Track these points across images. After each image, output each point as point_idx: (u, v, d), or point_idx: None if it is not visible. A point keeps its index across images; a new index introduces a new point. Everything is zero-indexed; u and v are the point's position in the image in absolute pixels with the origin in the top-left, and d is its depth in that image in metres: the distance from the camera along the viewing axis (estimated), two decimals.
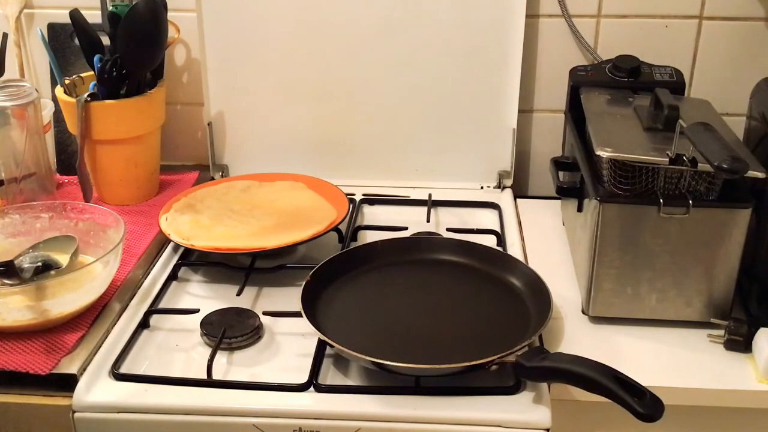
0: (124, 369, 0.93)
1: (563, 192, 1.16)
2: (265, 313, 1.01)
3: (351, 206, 1.26)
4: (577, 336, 1.01)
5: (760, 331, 0.95)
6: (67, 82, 1.26)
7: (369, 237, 1.21)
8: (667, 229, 0.96)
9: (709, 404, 0.94)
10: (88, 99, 1.20)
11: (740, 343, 0.97)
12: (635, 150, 0.96)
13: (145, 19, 1.19)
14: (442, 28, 1.29)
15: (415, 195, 1.34)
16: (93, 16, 1.26)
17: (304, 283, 1.00)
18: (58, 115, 1.32)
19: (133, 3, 1.18)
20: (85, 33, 1.23)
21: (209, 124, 1.38)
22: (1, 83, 1.20)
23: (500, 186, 1.37)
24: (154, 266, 1.14)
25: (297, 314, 0.95)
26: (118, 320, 1.01)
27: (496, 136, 1.35)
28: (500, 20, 1.28)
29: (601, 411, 0.91)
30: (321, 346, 0.95)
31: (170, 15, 1.26)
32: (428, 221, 1.24)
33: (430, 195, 1.32)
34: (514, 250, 1.17)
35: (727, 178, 0.95)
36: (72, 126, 1.24)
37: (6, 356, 0.93)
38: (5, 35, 1.31)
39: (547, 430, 0.86)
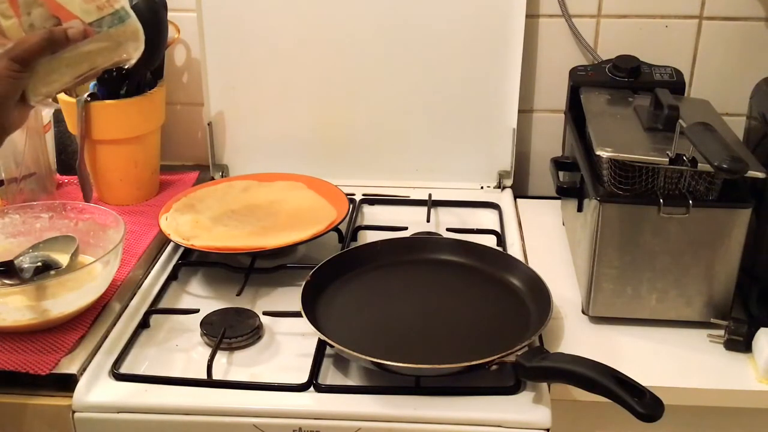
0: (124, 369, 0.93)
1: (563, 192, 1.16)
2: (265, 313, 1.01)
3: (351, 206, 1.26)
4: (577, 336, 1.01)
5: (760, 331, 0.95)
6: None
7: (369, 237, 1.21)
8: (667, 229, 0.96)
9: (709, 404, 0.94)
10: (88, 99, 1.20)
11: (740, 343, 0.97)
12: (635, 150, 0.96)
13: (145, 19, 1.17)
14: (442, 28, 1.29)
15: (415, 195, 1.34)
16: None
17: (304, 283, 1.00)
18: (58, 115, 1.32)
19: (133, 3, 1.18)
20: None
21: (209, 124, 1.38)
22: None
23: (500, 186, 1.37)
24: (154, 266, 1.14)
25: (297, 314, 0.95)
26: (118, 320, 1.01)
27: (496, 136, 1.35)
28: (500, 20, 1.28)
29: (601, 411, 0.91)
30: (321, 346, 0.95)
31: (170, 15, 1.26)
32: (428, 221, 1.24)
33: (430, 195, 1.32)
34: (514, 250, 1.17)
35: (727, 178, 0.95)
36: (72, 126, 1.24)
37: (6, 356, 0.93)
38: None
39: (547, 430, 0.86)
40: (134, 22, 0.91)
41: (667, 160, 0.93)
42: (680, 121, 0.93)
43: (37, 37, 0.80)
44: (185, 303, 1.08)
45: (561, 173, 1.20)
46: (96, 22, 0.86)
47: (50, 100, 0.87)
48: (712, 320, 0.99)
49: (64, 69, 0.84)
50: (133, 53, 0.91)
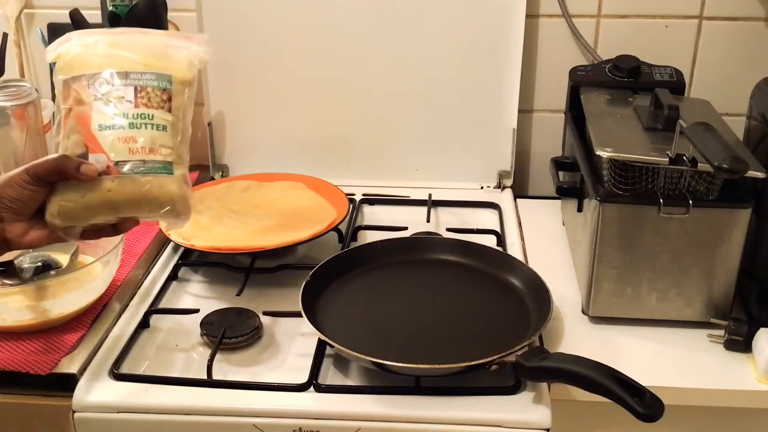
0: (124, 369, 0.93)
1: (563, 192, 1.16)
2: (265, 313, 1.01)
3: (351, 206, 1.26)
4: (577, 336, 1.01)
5: (760, 331, 0.95)
6: None
7: (369, 237, 1.21)
8: (667, 229, 0.96)
9: (709, 404, 0.94)
10: None
11: (740, 343, 0.97)
12: (635, 150, 0.96)
13: (145, 19, 1.19)
14: (442, 28, 1.29)
15: (415, 195, 1.34)
16: (93, 16, 1.26)
17: (304, 283, 1.00)
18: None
19: (133, 3, 1.18)
20: None
21: (209, 124, 1.38)
22: (1, 83, 1.20)
23: (500, 186, 1.37)
24: (154, 266, 1.14)
25: (297, 314, 0.95)
26: (118, 320, 1.02)
27: (496, 136, 1.35)
28: (500, 20, 1.28)
29: (601, 411, 0.91)
30: (321, 346, 0.95)
31: (170, 15, 1.26)
32: (428, 221, 1.24)
33: (430, 195, 1.32)
34: (514, 250, 1.17)
35: (727, 178, 0.95)
36: None
37: (6, 356, 0.93)
38: (5, 35, 1.31)
39: (547, 430, 0.86)
40: (170, 183, 0.83)
41: (667, 160, 0.93)
42: (680, 121, 0.93)
43: (50, 159, 0.80)
44: (185, 303, 1.07)
45: (561, 173, 1.20)
46: (122, 162, 0.81)
47: (75, 232, 0.82)
48: (712, 320, 0.99)
49: (78, 198, 0.80)
50: (163, 215, 0.83)
